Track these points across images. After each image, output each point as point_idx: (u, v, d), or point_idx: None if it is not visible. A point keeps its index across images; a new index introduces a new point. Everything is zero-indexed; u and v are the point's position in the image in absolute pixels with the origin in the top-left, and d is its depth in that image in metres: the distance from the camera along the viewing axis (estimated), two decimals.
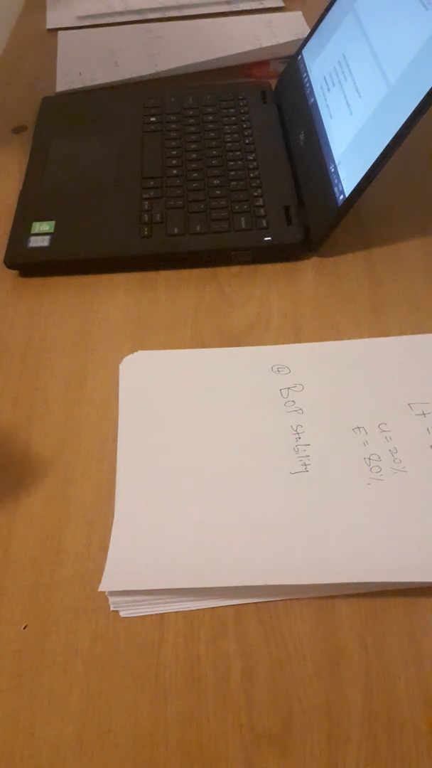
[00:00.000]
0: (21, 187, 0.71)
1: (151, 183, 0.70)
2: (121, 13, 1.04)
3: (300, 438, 0.50)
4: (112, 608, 0.42)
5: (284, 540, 0.44)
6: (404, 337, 0.57)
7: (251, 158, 0.72)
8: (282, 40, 0.93)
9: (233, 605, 0.42)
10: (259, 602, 0.42)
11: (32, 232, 0.65)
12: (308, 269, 0.64)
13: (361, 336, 0.57)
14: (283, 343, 0.57)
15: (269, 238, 0.64)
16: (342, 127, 0.66)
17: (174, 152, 0.74)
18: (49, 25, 1.03)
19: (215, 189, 0.69)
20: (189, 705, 0.39)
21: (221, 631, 0.41)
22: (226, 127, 0.77)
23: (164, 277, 0.63)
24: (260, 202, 0.67)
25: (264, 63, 0.92)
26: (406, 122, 0.57)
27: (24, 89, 0.90)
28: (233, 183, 0.69)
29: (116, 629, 0.42)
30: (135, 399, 0.53)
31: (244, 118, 0.78)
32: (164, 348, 0.57)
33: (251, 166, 0.71)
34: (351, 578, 0.42)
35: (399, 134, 0.57)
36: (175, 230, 0.65)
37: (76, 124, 0.79)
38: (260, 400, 0.52)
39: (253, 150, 0.73)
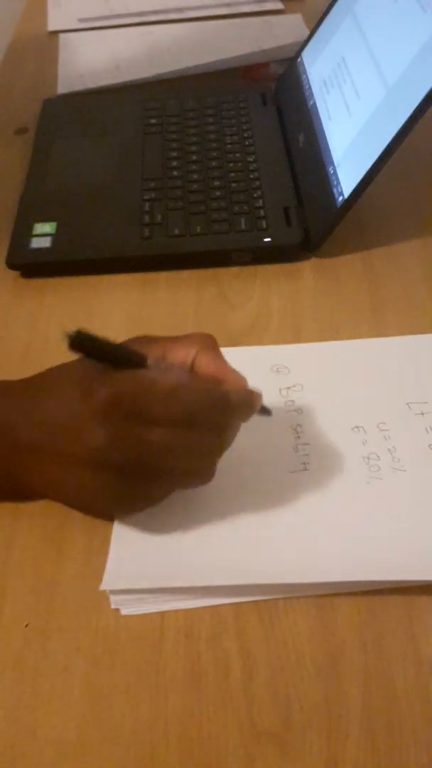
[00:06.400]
0: (23, 188, 0.71)
1: (152, 184, 0.70)
2: (122, 16, 1.04)
3: (299, 437, 0.50)
4: (113, 606, 0.42)
5: (284, 539, 0.44)
6: (403, 337, 0.57)
7: (251, 160, 0.73)
8: (282, 42, 0.94)
9: (233, 603, 0.42)
10: (259, 600, 0.42)
11: (34, 233, 0.66)
12: (308, 270, 0.64)
13: (361, 336, 0.58)
14: (283, 343, 0.57)
15: (269, 239, 0.64)
16: (341, 128, 0.66)
17: (174, 154, 0.74)
18: (51, 27, 1.03)
19: (215, 190, 0.69)
20: (189, 702, 0.39)
21: (221, 629, 0.42)
22: (226, 128, 0.77)
23: (165, 278, 0.64)
24: (260, 203, 0.67)
25: (264, 65, 0.92)
26: (404, 124, 0.57)
27: (25, 91, 0.90)
28: (233, 184, 0.70)
29: (117, 627, 0.42)
30: None
31: (243, 120, 0.78)
32: None
33: (251, 168, 0.72)
34: (350, 577, 0.42)
35: (397, 136, 0.58)
36: (176, 231, 0.65)
37: (77, 126, 0.80)
38: None
39: (253, 152, 0.74)
